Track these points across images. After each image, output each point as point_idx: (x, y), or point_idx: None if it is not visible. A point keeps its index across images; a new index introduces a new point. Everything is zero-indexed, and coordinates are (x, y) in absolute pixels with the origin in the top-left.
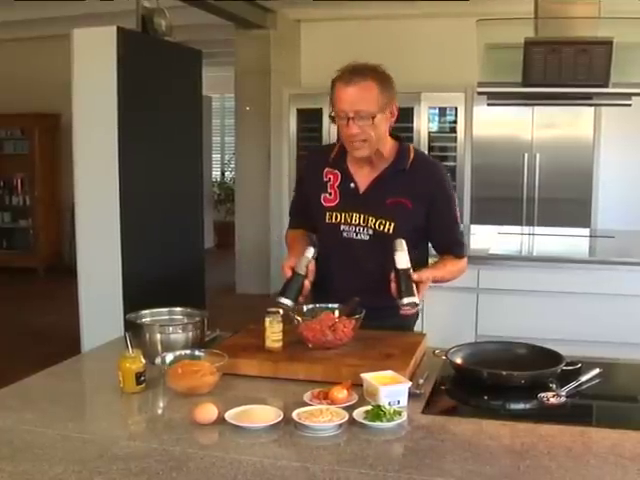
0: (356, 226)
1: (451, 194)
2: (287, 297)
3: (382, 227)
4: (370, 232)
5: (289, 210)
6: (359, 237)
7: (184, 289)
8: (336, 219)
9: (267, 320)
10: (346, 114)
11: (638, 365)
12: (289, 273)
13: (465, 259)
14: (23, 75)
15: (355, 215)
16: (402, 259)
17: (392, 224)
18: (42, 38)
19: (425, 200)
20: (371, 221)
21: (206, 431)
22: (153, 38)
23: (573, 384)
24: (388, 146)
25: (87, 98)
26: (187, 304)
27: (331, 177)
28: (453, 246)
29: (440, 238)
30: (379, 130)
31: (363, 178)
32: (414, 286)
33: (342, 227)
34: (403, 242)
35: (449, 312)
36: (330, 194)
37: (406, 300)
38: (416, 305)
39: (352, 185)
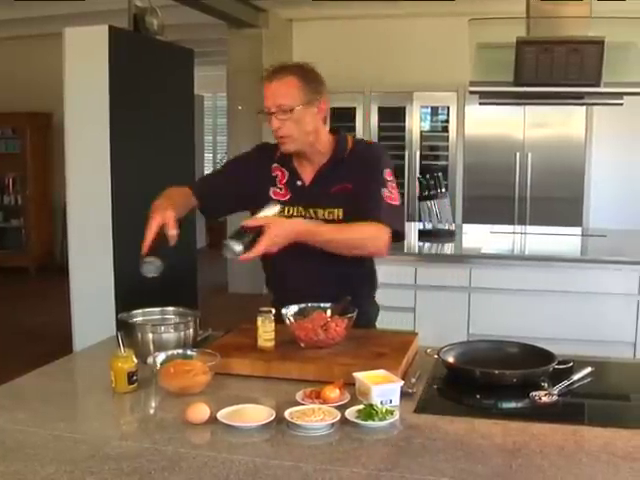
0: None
1: (380, 169)
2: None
3: (331, 215)
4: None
5: (203, 176)
6: None
7: (176, 289)
8: (289, 212)
9: (259, 319)
10: (269, 109)
11: (629, 363)
12: (169, 219)
13: (377, 226)
14: (14, 74)
15: (302, 209)
16: (260, 212)
17: (340, 210)
18: (33, 37)
19: (360, 177)
20: (320, 213)
21: (198, 431)
22: (145, 37)
23: (565, 383)
24: (325, 141)
25: (79, 97)
26: (179, 304)
27: (279, 173)
28: (369, 208)
29: (359, 205)
30: (304, 125)
31: (307, 175)
32: (245, 236)
33: None
34: (276, 207)
35: (441, 311)
36: (281, 189)
37: (224, 241)
38: (234, 253)
39: (299, 183)
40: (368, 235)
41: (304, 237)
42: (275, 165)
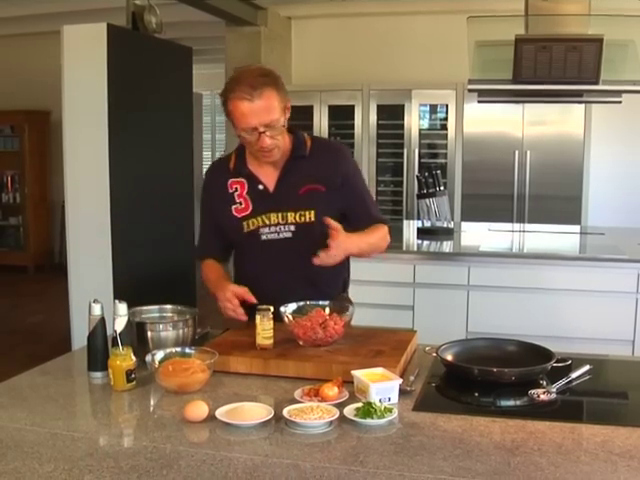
0: (276, 226)
1: (357, 167)
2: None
3: (303, 218)
4: (292, 228)
5: (199, 236)
6: (282, 236)
7: (175, 286)
8: (254, 225)
9: (258, 317)
10: (256, 129)
11: (628, 361)
12: (246, 295)
13: (386, 228)
14: (13, 72)
15: (273, 216)
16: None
17: (312, 211)
18: (32, 35)
19: (337, 181)
20: (291, 216)
21: (197, 429)
22: (143, 35)
23: (563, 381)
24: (287, 139)
25: (77, 95)
26: (177, 301)
27: (237, 187)
28: (372, 211)
29: (359, 210)
30: (283, 131)
31: (269, 177)
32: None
33: (261, 231)
34: (120, 306)
35: (440, 309)
36: (241, 203)
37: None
38: None
39: (261, 187)
40: (382, 237)
41: (355, 255)
42: (231, 180)
